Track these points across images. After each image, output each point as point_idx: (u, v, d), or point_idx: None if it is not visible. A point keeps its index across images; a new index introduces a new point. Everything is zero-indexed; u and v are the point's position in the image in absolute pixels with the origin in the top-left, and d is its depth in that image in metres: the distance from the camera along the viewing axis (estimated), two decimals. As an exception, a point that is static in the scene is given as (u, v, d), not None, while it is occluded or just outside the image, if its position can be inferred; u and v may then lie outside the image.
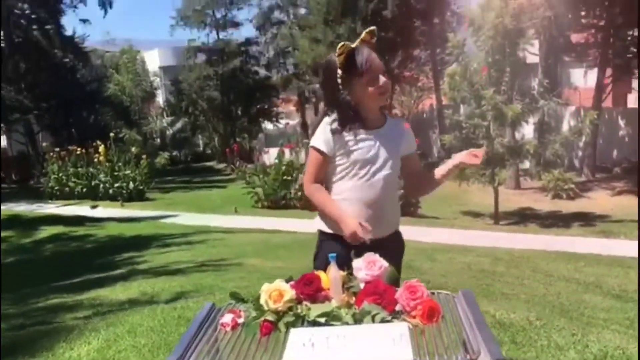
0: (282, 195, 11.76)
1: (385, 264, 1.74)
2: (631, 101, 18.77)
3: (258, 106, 21.93)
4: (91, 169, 14.55)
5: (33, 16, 18.68)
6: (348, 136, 2.21)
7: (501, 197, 10.75)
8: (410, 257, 6.91)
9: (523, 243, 8.26)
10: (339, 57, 2.19)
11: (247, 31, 29.61)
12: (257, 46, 22.57)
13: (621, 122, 16.33)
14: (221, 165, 21.53)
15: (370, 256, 1.74)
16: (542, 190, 13.54)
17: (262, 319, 1.57)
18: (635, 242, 8.12)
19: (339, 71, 2.20)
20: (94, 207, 13.44)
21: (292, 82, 20.89)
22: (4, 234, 10.14)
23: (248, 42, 22.24)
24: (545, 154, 10.15)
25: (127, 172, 14.11)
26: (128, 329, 3.70)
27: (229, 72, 20.42)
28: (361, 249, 2.08)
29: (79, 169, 14.75)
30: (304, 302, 1.64)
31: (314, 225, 2.39)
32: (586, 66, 16.14)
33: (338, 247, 2.19)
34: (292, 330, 1.52)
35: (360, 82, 2.19)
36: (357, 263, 1.74)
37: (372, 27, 2.24)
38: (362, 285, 1.69)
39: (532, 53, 12.60)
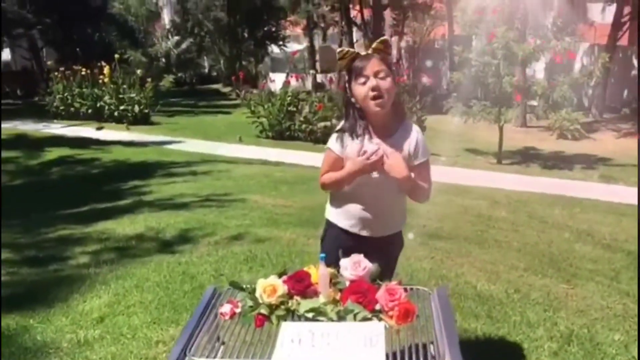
0: (286, 126, 11.78)
1: (369, 264, 1.86)
2: (647, 39, 18.31)
3: (265, 29, 21.48)
4: (96, 90, 14.54)
5: None
6: (353, 142, 2.27)
7: (506, 134, 10.75)
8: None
9: (523, 185, 8.37)
10: (340, 61, 2.25)
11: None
12: (267, -34, 21.83)
13: (635, 62, 16.01)
14: (227, 89, 21.41)
15: (356, 257, 1.87)
16: (548, 129, 13.51)
17: (257, 312, 1.73)
18: (633, 189, 8.25)
19: (346, 76, 2.27)
20: (99, 128, 13.54)
21: (301, 4, 20.34)
22: (11, 153, 10.31)
23: (257, -39, 21.50)
24: (553, 95, 10.04)
25: (132, 95, 14.10)
26: (136, 283, 3.91)
27: (236, -8, 19.90)
28: (358, 244, 2.25)
29: (84, 90, 14.73)
30: (295, 297, 1.80)
31: (325, 213, 2.53)
32: (605, 1, 15.65)
33: (342, 236, 2.39)
34: (283, 325, 1.69)
35: (356, 84, 2.22)
36: (343, 263, 1.87)
37: (386, 38, 2.26)
38: (347, 283, 1.84)
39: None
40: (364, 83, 2.19)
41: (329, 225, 2.49)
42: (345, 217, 2.40)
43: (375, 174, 2.26)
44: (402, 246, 2.55)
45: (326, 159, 2.37)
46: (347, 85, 2.29)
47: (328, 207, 2.50)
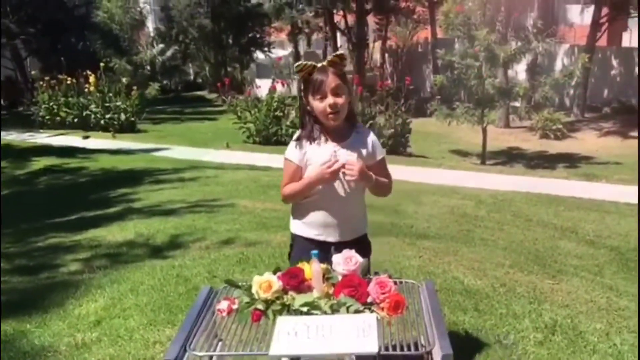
0: (273, 131, 11.83)
1: (360, 259, 1.94)
2: (626, 40, 18.66)
3: (249, 35, 21.49)
4: (82, 99, 14.48)
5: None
6: (311, 146, 2.38)
7: (490, 135, 10.89)
8: (397, 200, 7.17)
9: (508, 185, 8.48)
10: (299, 74, 2.36)
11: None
12: (249, -28, 21.86)
13: (614, 62, 16.31)
14: (212, 95, 21.40)
15: (347, 252, 1.94)
16: (531, 129, 13.70)
17: (253, 307, 1.80)
18: (615, 186, 8.41)
19: (302, 86, 2.39)
20: (85, 137, 13.48)
21: (285, 11, 20.41)
22: (-3, 164, 10.27)
23: (240, -33, 21.51)
24: (535, 96, 10.23)
25: (118, 103, 14.06)
26: (130, 286, 3.96)
27: (220, -1, 19.92)
28: (325, 251, 2.31)
29: (70, 99, 14.66)
30: (290, 292, 1.87)
31: (290, 228, 2.59)
32: (583, 3, 15.93)
33: (309, 246, 2.41)
34: (279, 319, 1.76)
35: (314, 99, 2.34)
36: (336, 259, 1.95)
37: (342, 52, 2.38)
38: (339, 278, 1.91)
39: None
40: (322, 99, 2.31)
41: (295, 239, 2.55)
42: (310, 226, 2.47)
43: (342, 181, 2.36)
44: (371, 250, 2.59)
45: (285, 169, 2.45)
46: (303, 94, 2.39)
47: (292, 220, 2.57)
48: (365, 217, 2.57)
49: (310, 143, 2.38)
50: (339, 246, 2.38)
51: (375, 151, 2.46)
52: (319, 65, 2.33)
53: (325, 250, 2.36)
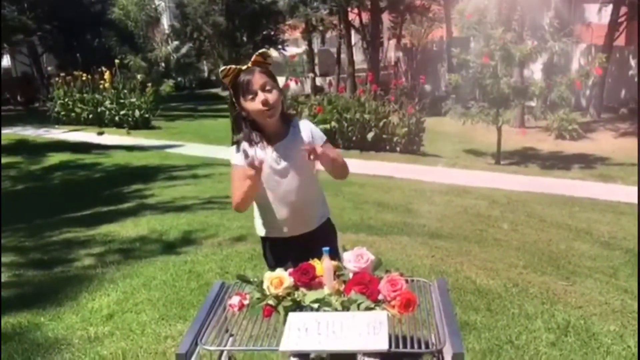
0: (286, 129, 11.82)
1: (371, 256, 1.93)
2: (644, 39, 18.38)
3: (264, 33, 21.50)
4: (97, 95, 14.62)
5: None
6: (252, 148, 2.36)
7: (505, 135, 10.80)
8: (410, 200, 7.15)
9: (522, 185, 8.43)
10: (224, 79, 2.33)
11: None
12: (264, -30, 21.86)
13: (632, 62, 16.09)
14: (226, 93, 21.42)
15: (358, 250, 1.94)
16: (546, 129, 13.56)
17: (264, 303, 1.81)
18: (631, 188, 8.32)
19: (231, 91, 2.34)
20: (100, 133, 13.61)
21: (299, 8, 20.42)
22: (13, 159, 10.39)
23: (255, -35, 21.52)
24: (550, 96, 10.12)
25: (133, 100, 14.18)
26: (143, 281, 4.00)
27: (235, -3, 19.93)
28: (296, 245, 2.39)
29: (85, 95, 14.81)
30: (301, 289, 1.87)
31: (256, 230, 2.59)
32: (601, 2, 15.73)
33: (278, 246, 2.49)
34: (290, 315, 1.76)
35: (245, 100, 2.30)
36: (347, 256, 1.94)
37: (264, 50, 2.36)
38: (350, 275, 1.90)
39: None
40: (253, 98, 2.28)
41: (265, 241, 2.56)
42: (276, 226, 2.46)
43: (290, 181, 2.36)
44: (336, 232, 2.63)
45: (235, 176, 2.39)
46: (234, 100, 2.35)
47: (256, 224, 2.57)
48: (325, 201, 2.58)
49: (251, 145, 2.36)
50: (309, 235, 2.45)
51: (316, 138, 2.43)
52: (244, 67, 2.32)
53: (297, 243, 2.42)
